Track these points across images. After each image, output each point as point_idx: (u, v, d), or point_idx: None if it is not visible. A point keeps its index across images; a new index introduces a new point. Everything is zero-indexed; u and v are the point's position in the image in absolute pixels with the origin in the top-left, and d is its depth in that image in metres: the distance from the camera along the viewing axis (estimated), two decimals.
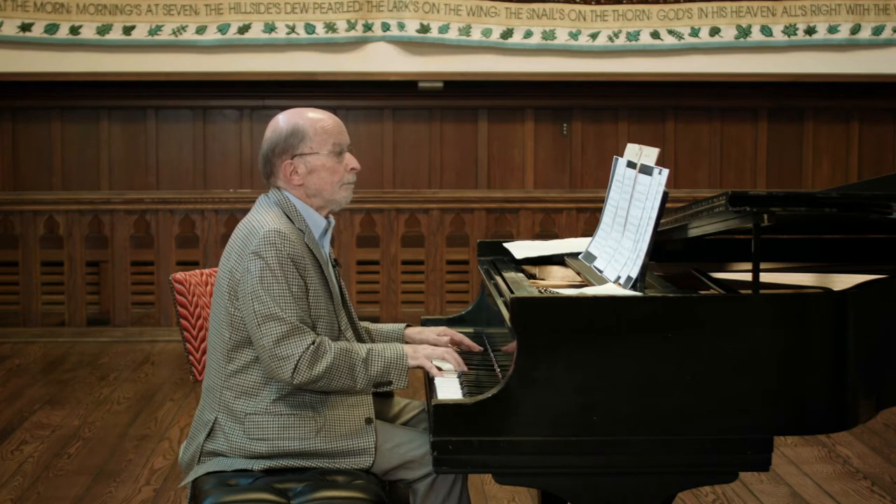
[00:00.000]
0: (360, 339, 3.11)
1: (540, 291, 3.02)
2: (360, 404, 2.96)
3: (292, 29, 7.45)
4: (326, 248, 3.06)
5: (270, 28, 7.44)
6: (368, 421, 2.95)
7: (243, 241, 2.94)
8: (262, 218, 2.95)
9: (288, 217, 2.97)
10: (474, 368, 3.06)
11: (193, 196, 7.31)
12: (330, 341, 2.91)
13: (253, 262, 2.88)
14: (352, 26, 7.47)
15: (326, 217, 3.05)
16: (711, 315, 2.68)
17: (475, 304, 3.55)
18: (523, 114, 7.79)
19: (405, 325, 3.28)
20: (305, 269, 2.92)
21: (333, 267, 3.10)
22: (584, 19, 7.56)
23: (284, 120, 3.02)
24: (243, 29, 7.43)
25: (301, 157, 2.98)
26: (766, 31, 7.60)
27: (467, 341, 3.17)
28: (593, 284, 3.02)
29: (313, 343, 2.86)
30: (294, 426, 2.91)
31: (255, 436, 2.92)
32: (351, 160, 3.03)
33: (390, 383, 2.95)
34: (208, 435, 2.97)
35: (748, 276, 2.82)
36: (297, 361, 2.84)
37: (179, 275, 3.33)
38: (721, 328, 2.67)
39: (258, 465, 2.92)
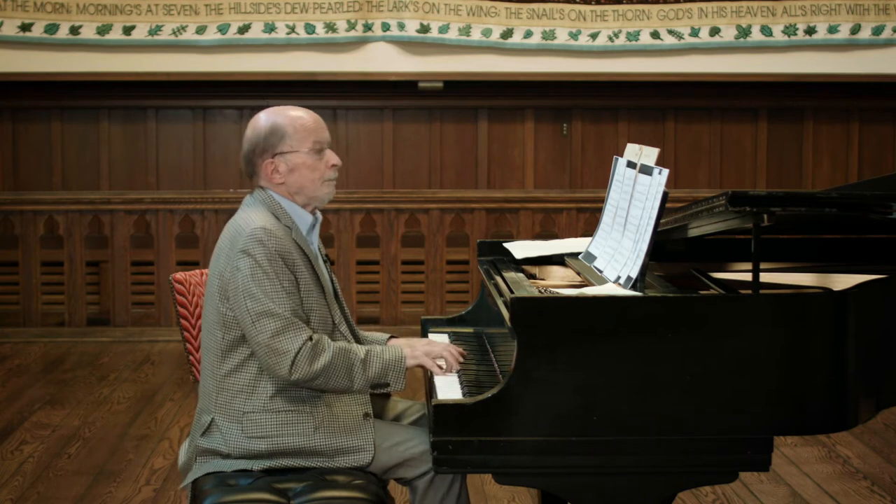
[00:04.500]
0: (353, 334, 3.12)
1: (540, 291, 3.02)
2: (357, 401, 2.96)
3: (292, 29, 7.45)
4: (315, 244, 3.06)
5: (270, 28, 7.44)
6: (366, 416, 2.95)
7: (231, 240, 2.95)
8: (249, 216, 2.96)
9: (274, 215, 2.98)
10: (474, 368, 3.06)
11: (193, 196, 7.31)
12: (328, 340, 2.91)
13: (242, 259, 2.88)
14: (352, 26, 7.47)
15: (312, 213, 3.06)
16: (711, 315, 2.68)
17: (475, 304, 3.55)
18: (523, 114, 7.79)
19: (389, 336, 3.26)
20: (294, 265, 2.92)
21: (325, 262, 3.10)
22: (584, 19, 7.56)
23: (264, 119, 3.02)
24: (243, 29, 7.43)
25: (281, 156, 2.98)
26: (766, 31, 7.60)
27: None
28: (593, 284, 3.02)
29: (310, 339, 2.87)
30: (292, 422, 2.91)
31: (253, 434, 2.92)
32: (332, 157, 3.03)
33: (388, 385, 2.95)
34: (204, 434, 2.98)
35: (748, 276, 2.82)
36: (296, 356, 2.84)
37: (179, 275, 3.34)
38: (721, 328, 2.67)
39: (258, 465, 2.93)
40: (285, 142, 2.98)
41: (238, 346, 2.94)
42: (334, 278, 3.15)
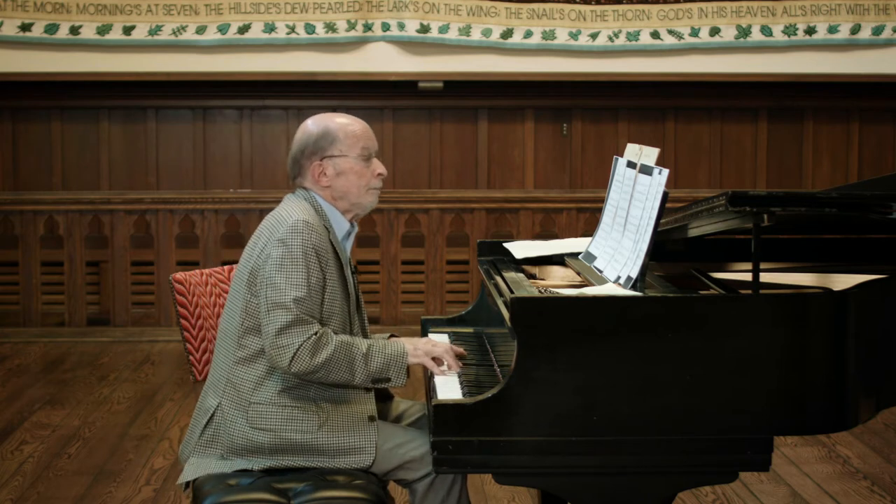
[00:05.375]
0: None
1: (540, 291, 3.02)
2: (364, 402, 2.97)
3: (292, 29, 7.45)
4: (348, 252, 3.08)
5: (270, 28, 7.44)
6: (371, 419, 2.95)
7: (271, 229, 2.98)
8: (291, 209, 2.99)
9: (316, 213, 3.01)
10: (474, 368, 3.06)
11: (193, 196, 7.31)
12: (332, 333, 2.92)
13: (276, 248, 2.91)
14: (352, 26, 7.47)
15: (351, 222, 3.08)
16: (711, 315, 2.68)
17: (475, 304, 3.55)
18: (523, 114, 7.79)
19: (389, 335, 3.27)
20: (327, 264, 2.96)
21: (353, 273, 3.11)
22: (584, 19, 7.56)
23: (314, 123, 3.06)
24: (243, 29, 7.43)
25: (330, 159, 3.02)
26: (766, 31, 7.60)
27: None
28: (593, 284, 3.02)
29: (315, 334, 2.87)
30: (297, 418, 2.92)
31: (257, 425, 2.93)
32: (378, 165, 3.10)
33: (389, 380, 2.96)
34: (208, 421, 2.98)
35: (748, 276, 2.82)
36: (298, 350, 2.85)
37: (179, 275, 3.34)
38: (721, 328, 2.67)
39: (258, 464, 2.93)
40: (335, 146, 3.02)
41: (255, 334, 2.96)
42: (359, 291, 3.16)
